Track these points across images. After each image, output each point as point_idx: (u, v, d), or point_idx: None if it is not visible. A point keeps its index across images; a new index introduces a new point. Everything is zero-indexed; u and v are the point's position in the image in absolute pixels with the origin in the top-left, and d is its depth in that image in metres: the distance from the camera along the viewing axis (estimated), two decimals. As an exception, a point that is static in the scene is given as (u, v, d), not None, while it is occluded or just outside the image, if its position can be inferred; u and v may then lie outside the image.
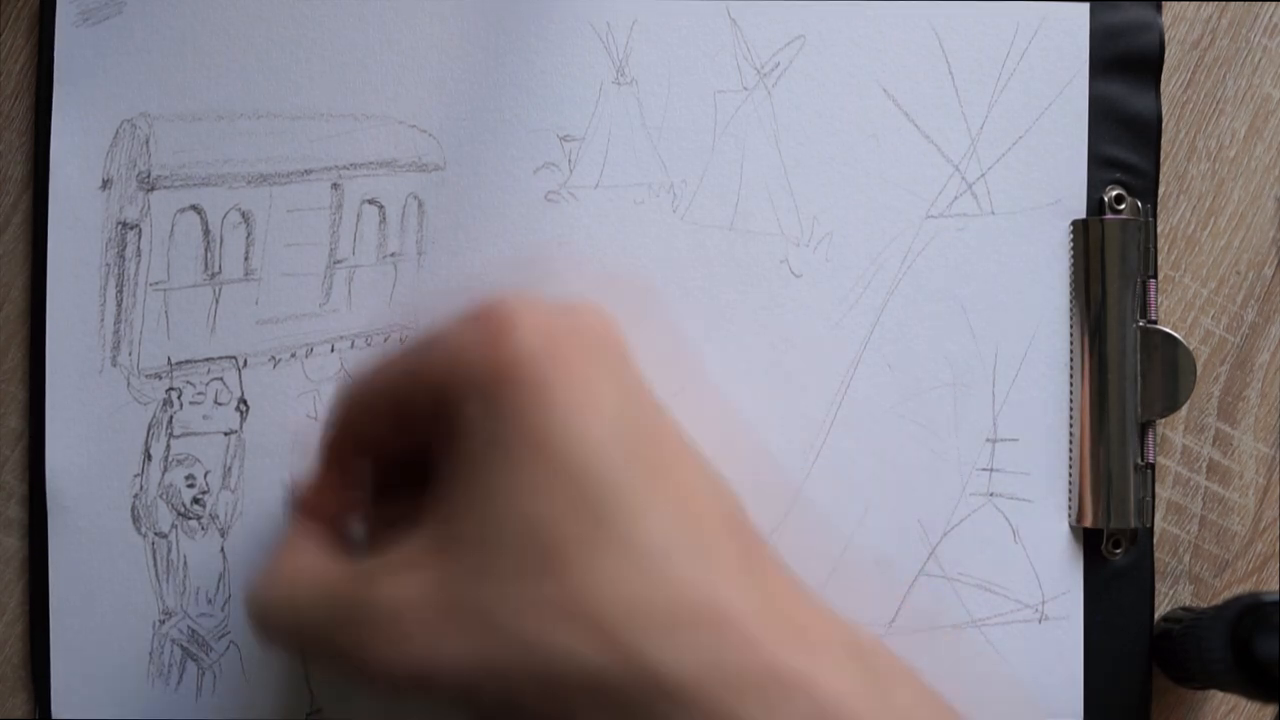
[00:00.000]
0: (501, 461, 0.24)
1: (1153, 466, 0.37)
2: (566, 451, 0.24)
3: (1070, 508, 0.37)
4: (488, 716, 0.25)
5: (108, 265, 0.36)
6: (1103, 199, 0.37)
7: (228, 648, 0.36)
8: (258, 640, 0.32)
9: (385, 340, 0.36)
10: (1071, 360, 0.37)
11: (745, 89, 0.37)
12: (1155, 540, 0.38)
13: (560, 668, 0.23)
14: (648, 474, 0.25)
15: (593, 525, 0.24)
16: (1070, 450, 0.37)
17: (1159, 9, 0.38)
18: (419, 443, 0.28)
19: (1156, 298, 0.37)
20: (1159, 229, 0.38)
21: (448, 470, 0.26)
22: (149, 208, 0.36)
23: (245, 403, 0.36)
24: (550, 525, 0.24)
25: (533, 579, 0.24)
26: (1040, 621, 0.37)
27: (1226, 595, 0.38)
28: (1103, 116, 0.37)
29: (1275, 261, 0.39)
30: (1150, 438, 0.37)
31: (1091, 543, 0.37)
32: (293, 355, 0.36)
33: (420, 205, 0.36)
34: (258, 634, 0.29)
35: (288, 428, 0.36)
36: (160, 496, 0.36)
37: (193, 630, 0.36)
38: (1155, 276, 0.37)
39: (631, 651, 0.23)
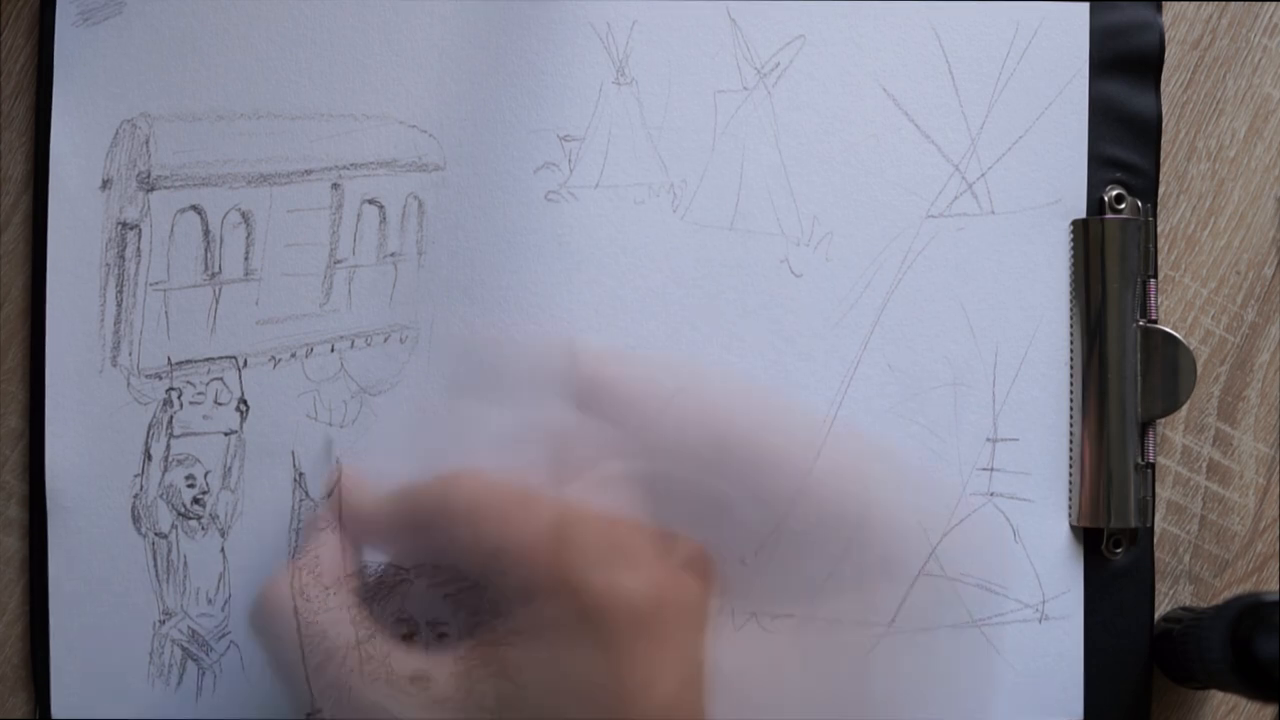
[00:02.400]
0: (568, 687, 0.29)
1: (1153, 466, 0.37)
2: (619, 708, 0.28)
3: (1070, 507, 0.37)
4: None
5: (108, 265, 0.36)
6: (1103, 199, 0.37)
7: (228, 648, 0.36)
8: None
9: (385, 340, 0.36)
10: (1071, 360, 0.37)
11: (745, 89, 0.37)
12: (1155, 540, 0.38)
13: None
14: None
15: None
16: (1070, 450, 0.37)
17: (1159, 9, 0.38)
18: (498, 578, 0.30)
19: (1156, 298, 0.37)
20: (1159, 229, 0.38)
21: (518, 638, 0.30)
22: (149, 208, 0.36)
23: (245, 403, 0.36)
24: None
25: None
26: (1040, 621, 0.37)
27: (1226, 595, 0.38)
28: (1103, 116, 0.37)
29: (1275, 261, 0.39)
30: (1150, 438, 0.37)
31: (1092, 543, 0.37)
32: (293, 355, 0.36)
33: (420, 205, 0.36)
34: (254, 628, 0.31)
35: (282, 427, 0.36)
36: (160, 496, 0.36)
37: (193, 630, 0.36)
38: (1155, 276, 0.37)
39: None
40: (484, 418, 0.36)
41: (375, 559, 0.36)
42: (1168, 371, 0.37)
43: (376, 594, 0.36)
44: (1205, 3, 0.38)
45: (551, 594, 0.29)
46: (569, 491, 0.31)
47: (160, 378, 0.36)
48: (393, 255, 0.36)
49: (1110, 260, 0.37)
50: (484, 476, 0.30)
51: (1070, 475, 0.37)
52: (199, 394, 0.36)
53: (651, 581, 0.29)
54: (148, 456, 0.36)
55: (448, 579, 0.36)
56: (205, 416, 0.36)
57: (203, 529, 0.36)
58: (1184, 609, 0.37)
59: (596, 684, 0.28)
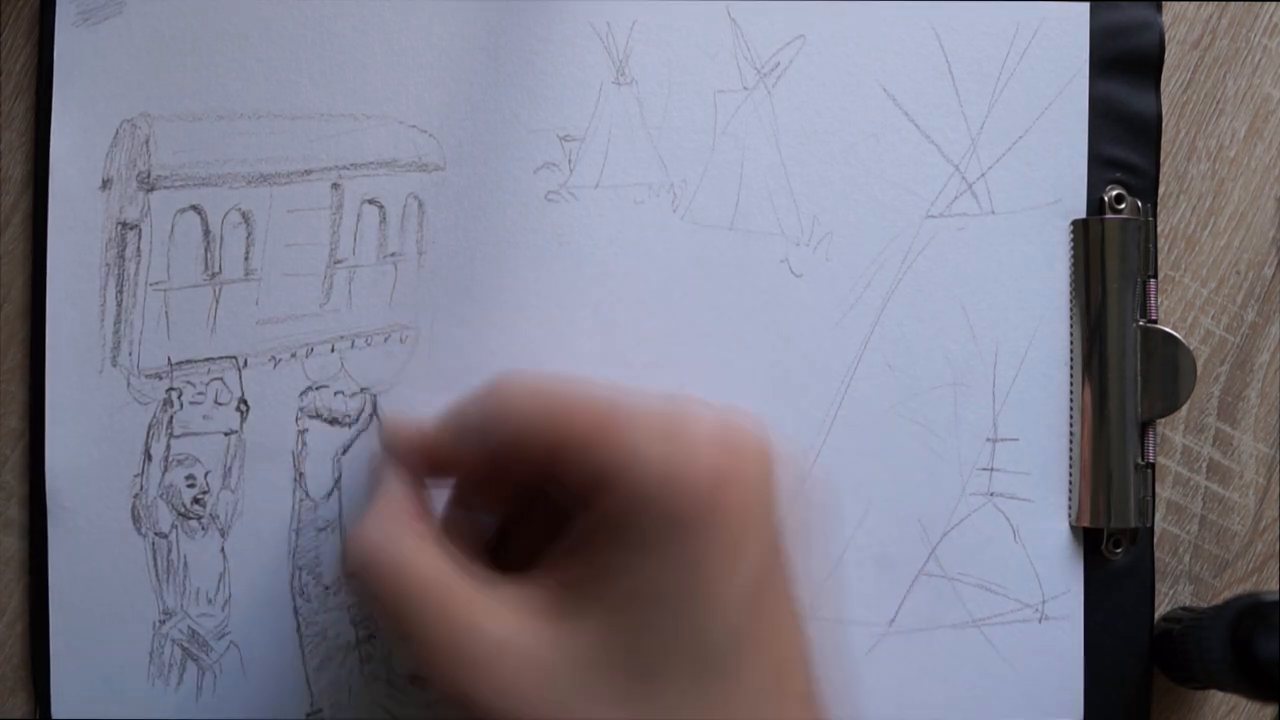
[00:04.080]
0: (647, 587, 0.27)
1: (1153, 466, 0.37)
2: (702, 599, 0.27)
3: (1070, 507, 0.37)
4: None
5: (108, 265, 0.36)
6: (1103, 199, 0.37)
7: (228, 648, 0.36)
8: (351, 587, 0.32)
9: (385, 340, 0.36)
10: (1071, 360, 0.37)
11: (745, 89, 0.37)
12: (1155, 540, 0.38)
13: None
14: (760, 636, 0.28)
15: (703, 666, 0.27)
16: (1070, 450, 0.37)
17: (1159, 9, 0.38)
18: (560, 480, 0.28)
19: (1156, 298, 0.37)
20: (1159, 229, 0.38)
21: (588, 546, 0.28)
22: (149, 208, 0.36)
23: (245, 403, 0.36)
24: (669, 654, 0.27)
25: (638, 695, 0.26)
26: (1040, 621, 0.37)
27: (1226, 595, 0.38)
28: (1103, 116, 0.37)
29: (1275, 261, 0.39)
30: (1150, 438, 0.37)
31: (1091, 542, 0.37)
32: (293, 355, 0.36)
33: (420, 205, 0.36)
34: (352, 588, 0.30)
35: (282, 427, 0.36)
36: (160, 496, 0.36)
37: (193, 630, 0.36)
38: (1155, 276, 0.37)
39: None
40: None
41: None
42: (1168, 371, 0.37)
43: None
44: (1205, 3, 0.38)
45: (610, 488, 0.27)
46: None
47: (160, 378, 0.36)
48: (393, 255, 0.36)
49: (1110, 260, 0.37)
50: (529, 375, 0.29)
51: (1070, 475, 0.37)
52: (199, 394, 0.36)
53: (712, 464, 0.27)
54: (148, 456, 0.36)
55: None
56: (205, 416, 0.36)
57: (203, 529, 0.36)
58: (1184, 609, 0.37)
59: (670, 585, 0.26)
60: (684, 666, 0.26)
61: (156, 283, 0.36)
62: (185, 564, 0.36)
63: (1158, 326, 0.37)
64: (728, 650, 0.27)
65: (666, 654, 0.26)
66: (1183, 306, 0.39)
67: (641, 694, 0.26)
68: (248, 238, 0.36)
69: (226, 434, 0.36)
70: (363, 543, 0.28)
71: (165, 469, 0.36)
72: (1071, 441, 0.37)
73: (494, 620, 0.27)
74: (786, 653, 0.28)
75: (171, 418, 0.36)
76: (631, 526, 0.27)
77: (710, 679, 0.27)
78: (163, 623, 0.36)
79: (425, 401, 0.36)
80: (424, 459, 0.31)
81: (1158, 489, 0.38)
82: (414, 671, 0.35)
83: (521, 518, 0.32)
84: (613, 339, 0.36)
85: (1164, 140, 0.38)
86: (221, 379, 0.36)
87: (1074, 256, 0.37)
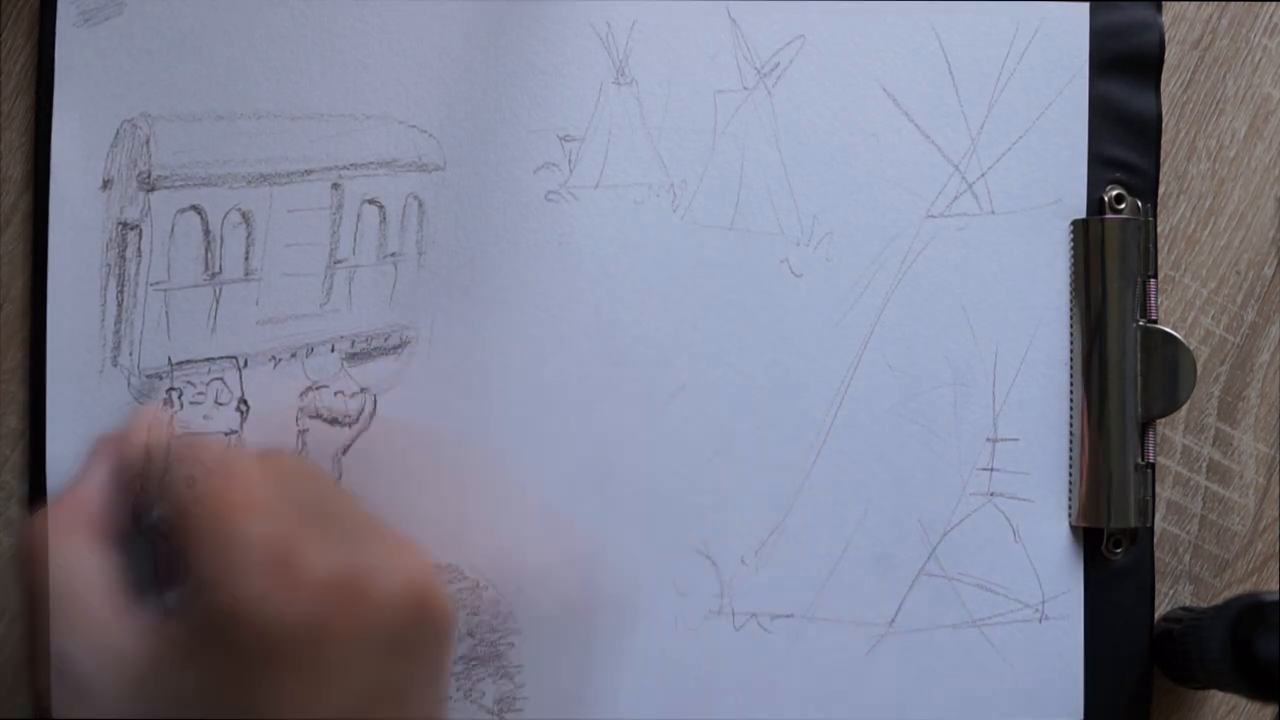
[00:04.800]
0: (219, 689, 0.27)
1: (1153, 466, 0.37)
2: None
3: (1070, 508, 0.37)
4: None
5: (108, 265, 0.36)
6: (1103, 199, 0.37)
7: (228, 648, 0.36)
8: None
9: (385, 340, 0.36)
10: (1071, 360, 0.37)
11: (745, 89, 0.37)
12: (1155, 540, 0.38)
13: None
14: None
15: None
16: (1070, 450, 0.37)
17: (1159, 9, 0.38)
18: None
19: (1156, 298, 0.37)
20: (1159, 229, 0.38)
21: (191, 613, 0.28)
22: (149, 208, 0.36)
23: (245, 403, 0.36)
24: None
25: None
26: (1040, 621, 0.37)
27: (1226, 595, 0.38)
28: (1103, 116, 0.37)
29: (1275, 261, 0.39)
30: (1150, 438, 0.37)
31: (1091, 543, 0.37)
32: (293, 355, 0.36)
33: (420, 205, 0.36)
34: (17, 570, 0.30)
35: (282, 427, 0.36)
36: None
37: (193, 630, 0.36)
38: (1155, 276, 0.37)
39: None
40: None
41: None
42: (1168, 371, 0.37)
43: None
44: (1205, 3, 0.38)
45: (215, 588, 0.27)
46: None
47: (161, 378, 0.36)
48: (393, 255, 0.36)
49: (1110, 260, 0.37)
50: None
51: (1070, 475, 0.37)
52: (199, 394, 0.36)
53: (310, 602, 0.27)
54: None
55: (448, 579, 0.36)
56: (205, 416, 0.36)
57: (203, 529, 0.36)
58: (1184, 609, 0.37)
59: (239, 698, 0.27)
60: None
61: (157, 283, 0.36)
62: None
63: (1158, 326, 0.37)
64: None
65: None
66: (1183, 306, 0.39)
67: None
68: (248, 238, 0.36)
69: (227, 434, 0.36)
70: (32, 528, 0.30)
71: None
72: (1071, 441, 0.37)
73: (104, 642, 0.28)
74: None
75: (171, 418, 0.36)
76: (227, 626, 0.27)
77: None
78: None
79: (425, 401, 0.36)
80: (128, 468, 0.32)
81: (1158, 489, 0.38)
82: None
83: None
84: (613, 339, 0.36)
85: (1164, 140, 0.38)
86: (222, 379, 0.36)
87: (1074, 256, 0.37)
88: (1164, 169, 0.38)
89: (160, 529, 0.30)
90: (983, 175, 0.37)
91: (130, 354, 0.36)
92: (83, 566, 0.29)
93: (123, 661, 0.27)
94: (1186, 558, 0.38)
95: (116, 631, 0.28)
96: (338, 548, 0.28)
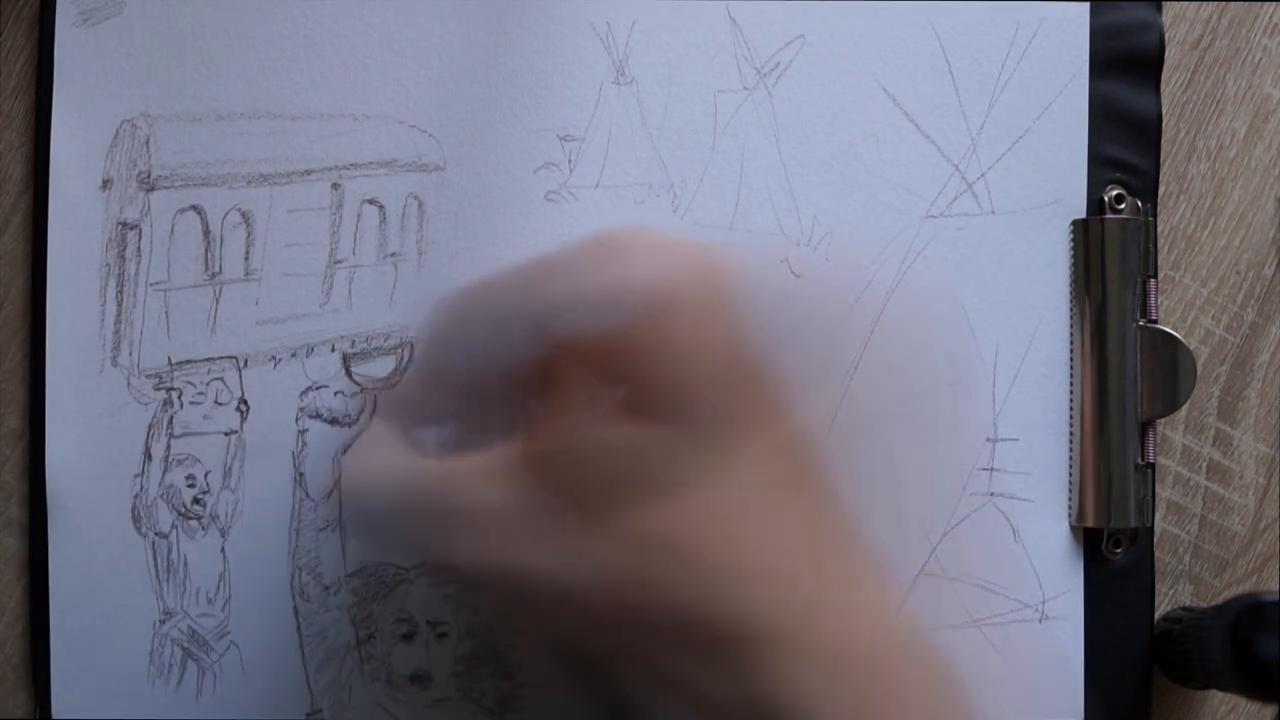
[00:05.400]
0: (607, 411, 0.27)
1: (1153, 466, 0.37)
2: (672, 404, 0.26)
3: (1070, 507, 0.37)
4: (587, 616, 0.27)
5: (108, 265, 0.36)
6: (1103, 199, 0.37)
7: (228, 648, 0.36)
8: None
9: (386, 340, 0.36)
10: (1071, 360, 0.37)
11: (745, 89, 0.37)
12: (1155, 540, 0.38)
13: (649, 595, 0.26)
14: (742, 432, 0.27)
15: (690, 471, 0.26)
16: (1070, 450, 0.37)
17: (1159, 9, 0.38)
18: (515, 358, 0.29)
19: (1156, 298, 0.37)
20: (1159, 229, 0.38)
21: (544, 395, 0.28)
22: (149, 208, 0.36)
23: (245, 403, 0.36)
24: (644, 461, 0.26)
25: (622, 509, 0.26)
26: (1040, 621, 0.37)
27: (1226, 595, 0.38)
28: (1103, 116, 0.37)
29: (1275, 261, 0.39)
30: (1150, 438, 0.37)
31: (1091, 543, 0.37)
32: (293, 355, 0.36)
33: (420, 205, 0.36)
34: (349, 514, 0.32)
35: (282, 427, 0.36)
36: (160, 497, 0.36)
37: (193, 630, 0.36)
38: (1155, 276, 0.37)
39: (719, 596, 0.26)
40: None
41: (375, 558, 0.36)
42: (1168, 371, 0.37)
43: (376, 594, 0.36)
44: (1205, 3, 0.38)
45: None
46: None
47: (160, 378, 0.36)
48: (393, 255, 0.36)
49: (1110, 260, 0.37)
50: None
51: (1070, 475, 0.37)
52: (199, 394, 0.36)
53: (647, 284, 0.26)
54: (148, 457, 0.36)
55: (448, 579, 0.36)
56: (205, 416, 0.36)
57: (203, 529, 0.36)
58: (1184, 609, 0.37)
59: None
60: (667, 473, 0.26)
61: (157, 283, 0.36)
62: (185, 564, 0.36)
63: (1158, 326, 0.37)
64: (708, 452, 0.26)
65: (642, 462, 0.26)
66: (1183, 306, 0.39)
67: (628, 502, 0.26)
68: (248, 238, 0.36)
69: (227, 434, 0.36)
70: (351, 460, 0.31)
71: (165, 469, 0.36)
72: (1071, 441, 0.37)
73: (466, 491, 0.28)
74: (769, 451, 0.27)
75: (172, 418, 0.36)
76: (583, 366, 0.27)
77: (697, 486, 0.26)
78: (163, 623, 0.36)
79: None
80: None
81: (1158, 489, 0.38)
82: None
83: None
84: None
85: (1164, 140, 0.38)
86: (221, 379, 0.36)
87: (1074, 256, 0.37)
88: (1164, 169, 0.38)
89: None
90: (983, 175, 0.37)
91: (130, 354, 0.36)
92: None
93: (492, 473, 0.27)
94: (1186, 558, 0.38)
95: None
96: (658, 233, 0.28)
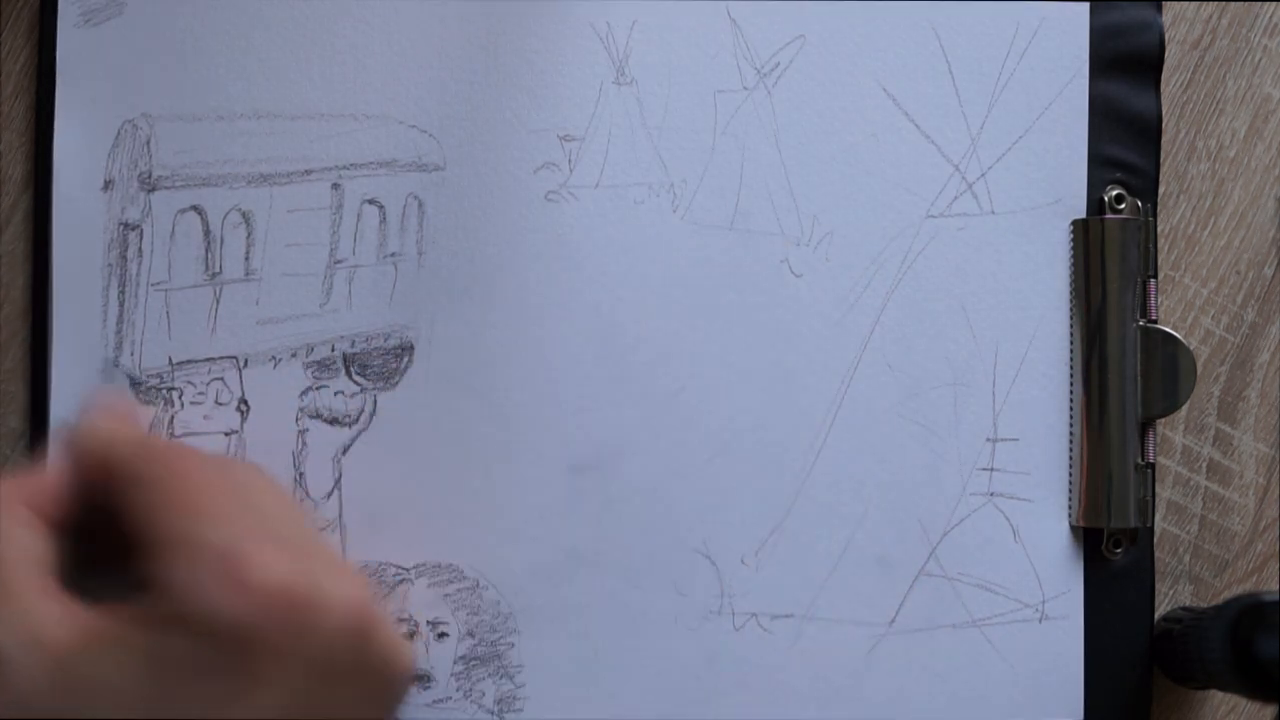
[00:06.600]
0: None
1: (1153, 466, 0.37)
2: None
3: (1070, 508, 0.37)
4: None
5: (109, 266, 0.36)
6: (1103, 199, 0.37)
7: (228, 647, 0.36)
8: None
9: (386, 340, 0.36)
10: (1071, 360, 0.37)
11: (745, 89, 0.37)
12: (1155, 540, 0.38)
13: None
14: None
15: None
16: (1070, 450, 0.37)
17: (1159, 9, 0.38)
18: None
19: (1156, 298, 0.37)
20: (1159, 229, 0.38)
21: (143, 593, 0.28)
22: (150, 208, 0.36)
23: (246, 403, 0.36)
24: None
25: None
26: (1040, 621, 0.37)
27: (1226, 595, 0.38)
28: (1103, 116, 0.37)
29: (1275, 261, 0.39)
30: (1150, 438, 0.37)
31: (1091, 543, 0.37)
32: (293, 355, 0.36)
33: (420, 205, 0.36)
34: None
35: (282, 427, 0.36)
36: (161, 496, 0.36)
37: (193, 630, 0.36)
38: (1155, 276, 0.37)
39: None
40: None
41: (374, 559, 0.36)
42: (1168, 371, 0.37)
43: (376, 594, 0.36)
44: (1205, 3, 0.38)
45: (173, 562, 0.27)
46: None
47: (161, 378, 0.36)
48: (393, 255, 0.36)
49: (1110, 260, 0.37)
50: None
51: (1070, 475, 0.37)
52: (200, 394, 0.36)
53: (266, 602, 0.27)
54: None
55: (448, 579, 0.36)
56: (206, 416, 0.36)
57: (203, 529, 0.36)
58: (1184, 609, 0.37)
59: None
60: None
61: (157, 283, 0.36)
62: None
63: (1158, 326, 0.37)
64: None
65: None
66: (1183, 306, 0.39)
67: None
68: (248, 238, 0.36)
69: (227, 434, 0.36)
70: None
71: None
72: (1071, 441, 0.37)
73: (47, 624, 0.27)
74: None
75: (172, 418, 0.36)
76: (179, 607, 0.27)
77: None
78: (163, 622, 0.36)
79: (425, 401, 0.36)
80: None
81: (1158, 489, 0.38)
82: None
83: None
84: (613, 339, 0.36)
85: (1164, 140, 0.38)
86: (222, 379, 0.36)
87: (1074, 256, 0.37)
88: (1164, 169, 0.38)
89: (110, 522, 0.30)
90: (983, 175, 0.37)
91: (131, 354, 0.36)
92: (13, 545, 0.28)
93: (40, 643, 0.27)
94: (1186, 558, 0.38)
95: (38, 613, 0.27)
96: (288, 561, 0.27)
